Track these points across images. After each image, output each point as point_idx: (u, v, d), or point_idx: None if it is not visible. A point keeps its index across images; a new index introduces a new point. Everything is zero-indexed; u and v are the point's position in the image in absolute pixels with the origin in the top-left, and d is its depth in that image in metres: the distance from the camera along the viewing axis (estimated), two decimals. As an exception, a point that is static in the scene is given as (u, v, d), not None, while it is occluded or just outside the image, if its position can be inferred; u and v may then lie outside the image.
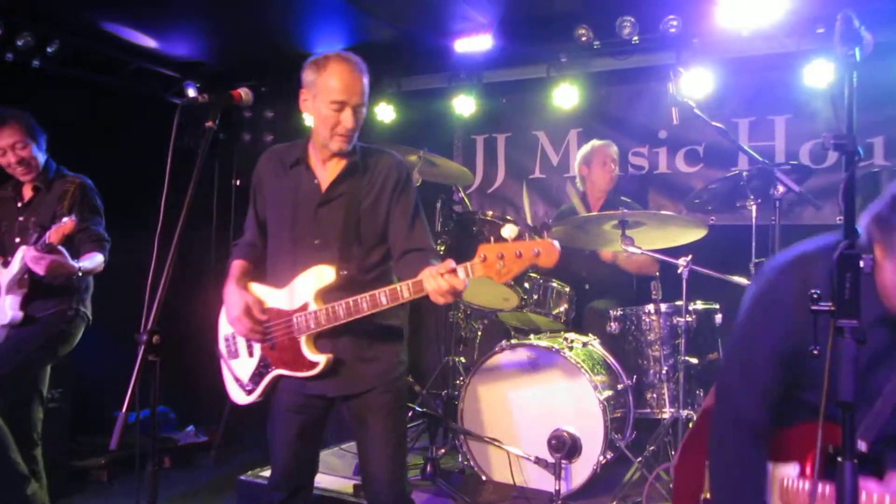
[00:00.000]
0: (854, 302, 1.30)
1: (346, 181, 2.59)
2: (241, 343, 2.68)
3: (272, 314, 2.57)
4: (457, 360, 4.90)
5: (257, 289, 2.65)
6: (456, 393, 4.20)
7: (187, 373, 5.52)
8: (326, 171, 2.62)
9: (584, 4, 4.91)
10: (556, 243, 2.10)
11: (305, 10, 4.97)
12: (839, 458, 1.38)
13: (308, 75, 2.54)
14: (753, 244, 4.08)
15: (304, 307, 2.50)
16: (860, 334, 1.30)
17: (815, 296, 1.41)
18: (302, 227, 2.58)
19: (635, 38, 4.86)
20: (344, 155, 2.60)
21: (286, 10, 4.94)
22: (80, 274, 3.46)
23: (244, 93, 2.51)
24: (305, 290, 2.50)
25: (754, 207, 4.08)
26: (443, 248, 4.05)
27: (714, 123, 3.88)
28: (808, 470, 1.82)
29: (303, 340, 2.50)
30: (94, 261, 3.52)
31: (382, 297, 2.34)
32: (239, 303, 2.54)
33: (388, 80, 6.08)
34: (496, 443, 3.87)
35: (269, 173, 2.70)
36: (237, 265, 2.71)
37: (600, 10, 4.88)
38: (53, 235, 3.27)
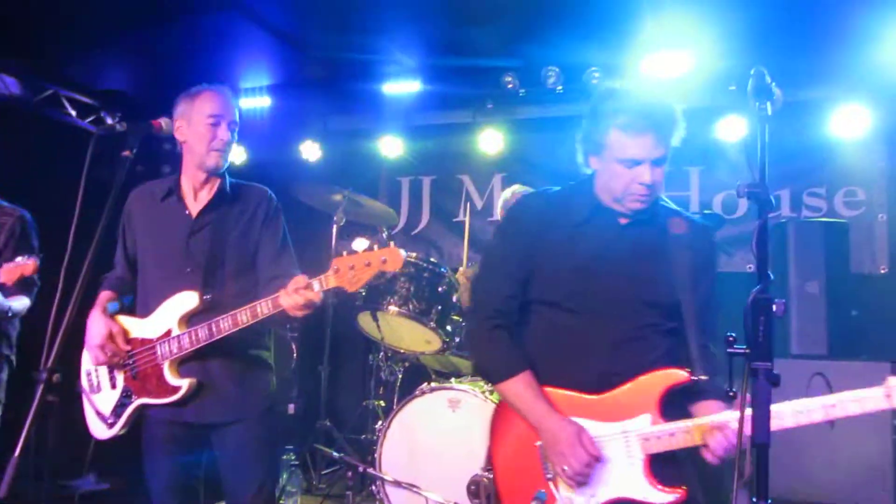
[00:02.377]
0: (767, 345, 1.34)
1: (217, 209, 2.63)
2: (104, 376, 2.63)
3: (136, 343, 2.56)
4: (376, 403, 4.82)
5: (123, 320, 2.62)
6: (375, 437, 4.11)
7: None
8: (197, 201, 2.65)
9: (511, 53, 5.04)
10: (402, 251, 2.28)
11: (233, 44, 4.92)
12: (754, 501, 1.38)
13: (181, 106, 2.63)
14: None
15: (168, 333, 2.49)
16: (774, 378, 1.33)
17: (730, 338, 1.45)
18: (174, 256, 2.59)
19: (559, 87, 5.03)
20: (216, 181, 2.65)
21: (214, 44, 4.87)
22: (10, 315, 3.22)
23: (165, 123, 2.47)
24: (169, 316, 2.51)
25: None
26: (363, 290, 4.00)
27: (633, 172, 4.01)
28: None
29: (166, 366, 2.49)
30: (21, 303, 3.27)
31: (243, 316, 2.38)
32: (102, 331, 2.52)
33: (315, 118, 6.06)
34: (414, 489, 3.80)
35: (140, 209, 2.72)
36: (105, 296, 2.67)
37: (527, 60, 5.04)
38: (6, 275, 2.94)
